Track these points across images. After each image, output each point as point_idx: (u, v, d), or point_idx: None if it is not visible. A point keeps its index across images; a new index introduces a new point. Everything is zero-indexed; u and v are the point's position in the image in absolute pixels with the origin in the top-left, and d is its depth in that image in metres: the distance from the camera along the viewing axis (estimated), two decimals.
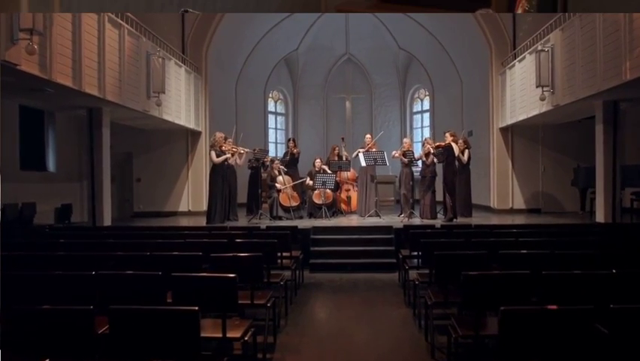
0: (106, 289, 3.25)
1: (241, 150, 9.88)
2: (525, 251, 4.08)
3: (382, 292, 6.61)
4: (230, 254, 4.20)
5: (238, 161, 9.95)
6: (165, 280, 3.25)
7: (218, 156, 9.36)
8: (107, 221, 8.95)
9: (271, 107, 16.74)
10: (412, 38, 14.94)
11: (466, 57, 13.48)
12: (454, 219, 9.42)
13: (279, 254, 5.75)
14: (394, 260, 7.89)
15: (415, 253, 6.05)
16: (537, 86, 8.75)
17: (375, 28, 15.24)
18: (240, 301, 4.11)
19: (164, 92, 9.06)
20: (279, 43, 15.04)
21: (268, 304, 4.18)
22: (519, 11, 7.37)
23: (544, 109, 9.08)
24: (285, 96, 17.01)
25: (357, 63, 16.56)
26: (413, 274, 5.93)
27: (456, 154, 9.62)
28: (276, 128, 16.87)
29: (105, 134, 8.80)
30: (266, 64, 15.53)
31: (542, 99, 8.71)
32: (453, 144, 9.59)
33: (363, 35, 15.67)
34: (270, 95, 16.61)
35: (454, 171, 9.52)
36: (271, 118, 16.73)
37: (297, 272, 6.81)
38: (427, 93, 16.37)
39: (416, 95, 16.88)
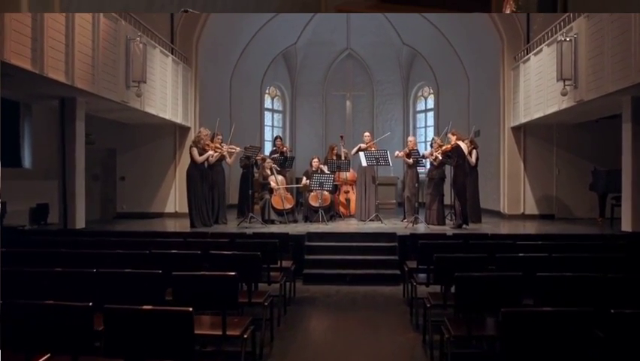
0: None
1: (227, 148, 9.00)
2: (570, 274, 3.24)
3: (385, 310, 5.75)
4: (199, 273, 3.34)
5: (228, 160, 9.11)
6: (96, 311, 2.40)
7: (200, 154, 8.52)
8: (81, 223, 8.11)
9: (268, 103, 15.94)
10: (417, 33, 14.11)
11: (474, 52, 12.66)
12: (464, 226, 8.58)
13: (266, 266, 4.94)
14: (398, 271, 7.07)
15: (424, 267, 5.22)
16: (558, 80, 7.90)
17: (377, 23, 14.42)
18: (209, 333, 3.30)
19: (144, 82, 8.19)
20: (277, 36, 14.23)
21: (245, 335, 3.33)
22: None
23: (564, 105, 8.23)
24: (283, 93, 16.21)
25: (358, 59, 15.73)
26: (422, 290, 5.12)
27: (465, 153, 8.76)
28: (272, 126, 16.04)
29: (79, 127, 7.96)
30: (263, 58, 14.72)
31: (564, 94, 7.86)
32: (460, 143, 8.73)
33: (365, 30, 14.87)
34: (267, 91, 15.81)
35: (464, 173, 8.66)
36: (267, 115, 15.91)
37: (288, 285, 5.99)
38: (432, 91, 15.55)
39: (420, 93, 16.06)
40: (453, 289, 4.51)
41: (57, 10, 5.80)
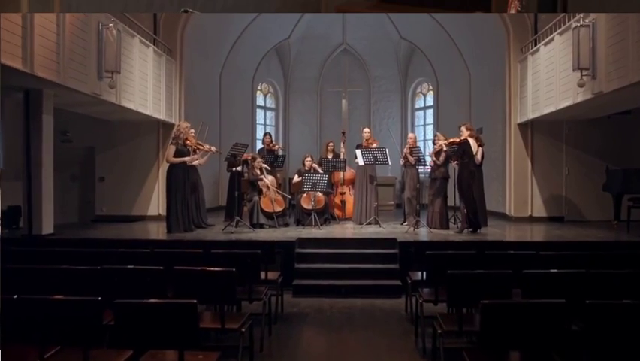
0: None
1: (207, 147, 8.28)
2: (630, 301, 2.53)
3: (386, 329, 5.02)
4: (148, 301, 2.59)
5: (200, 161, 8.36)
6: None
7: (179, 151, 7.74)
8: (48, 229, 7.34)
9: (260, 100, 15.21)
10: (416, 27, 13.40)
11: (477, 45, 11.95)
12: (470, 230, 7.86)
13: (248, 279, 4.22)
14: (399, 282, 6.35)
15: (432, 281, 4.50)
16: (574, 70, 7.18)
17: (374, 17, 13.68)
18: None
19: (119, 72, 7.42)
20: (269, 30, 13.49)
21: None
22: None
23: (580, 98, 7.50)
24: (276, 89, 15.50)
25: (354, 54, 15.02)
26: (428, 307, 4.41)
27: (474, 152, 8.05)
28: (265, 124, 15.31)
29: (46, 121, 7.19)
30: (255, 53, 13.98)
31: (581, 85, 7.13)
32: (470, 140, 8.02)
33: (361, 24, 14.19)
34: (259, 88, 15.10)
35: (470, 173, 7.94)
36: (260, 113, 15.19)
37: (275, 299, 5.27)
38: (431, 87, 14.85)
39: (418, 90, 15.36)
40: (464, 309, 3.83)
41: (57, 10, 5.66)
